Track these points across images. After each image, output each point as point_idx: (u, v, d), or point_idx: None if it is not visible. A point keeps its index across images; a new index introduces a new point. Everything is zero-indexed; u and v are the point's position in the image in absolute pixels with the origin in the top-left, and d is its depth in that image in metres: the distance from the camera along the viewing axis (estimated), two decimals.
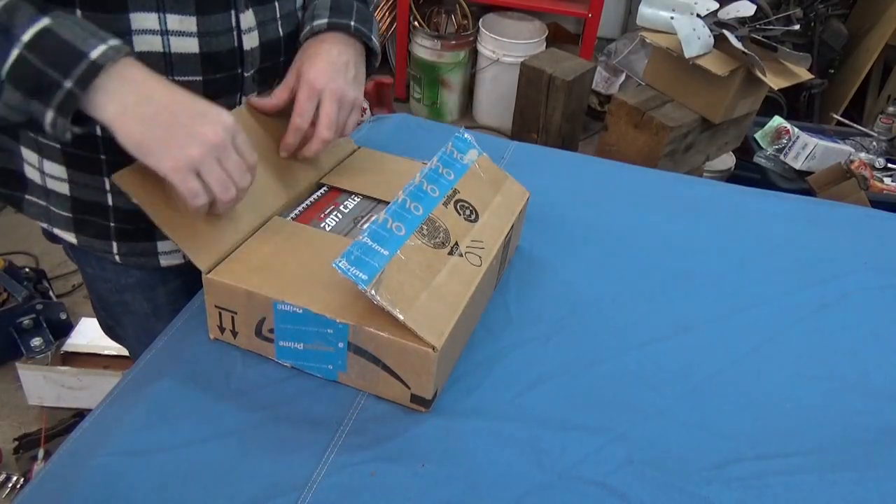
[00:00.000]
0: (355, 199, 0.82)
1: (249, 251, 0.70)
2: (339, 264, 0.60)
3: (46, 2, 0.59)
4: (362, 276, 0.60)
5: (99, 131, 0.69)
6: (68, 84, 0.53)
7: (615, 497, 0.62)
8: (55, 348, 1.65)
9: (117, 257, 0.81)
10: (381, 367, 0.65)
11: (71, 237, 0.80)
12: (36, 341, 1.63)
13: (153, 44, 0.65)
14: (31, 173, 0.76)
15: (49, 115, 0.55)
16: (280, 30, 0.76)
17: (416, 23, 2.65)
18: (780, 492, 0.63)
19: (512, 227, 0.80)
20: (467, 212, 0.76)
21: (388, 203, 0.70)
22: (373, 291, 0.60)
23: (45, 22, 0.53)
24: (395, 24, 2.77)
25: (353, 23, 0.75)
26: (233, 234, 0.71)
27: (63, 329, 1.72)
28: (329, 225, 0.77)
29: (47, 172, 0.74)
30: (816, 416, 0.72)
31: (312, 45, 0.75)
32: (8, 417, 1.63)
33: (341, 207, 0.80)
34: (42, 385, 1.56)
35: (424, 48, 2.64)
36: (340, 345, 0.65)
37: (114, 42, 0.56)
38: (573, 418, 0.69)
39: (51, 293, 1.83)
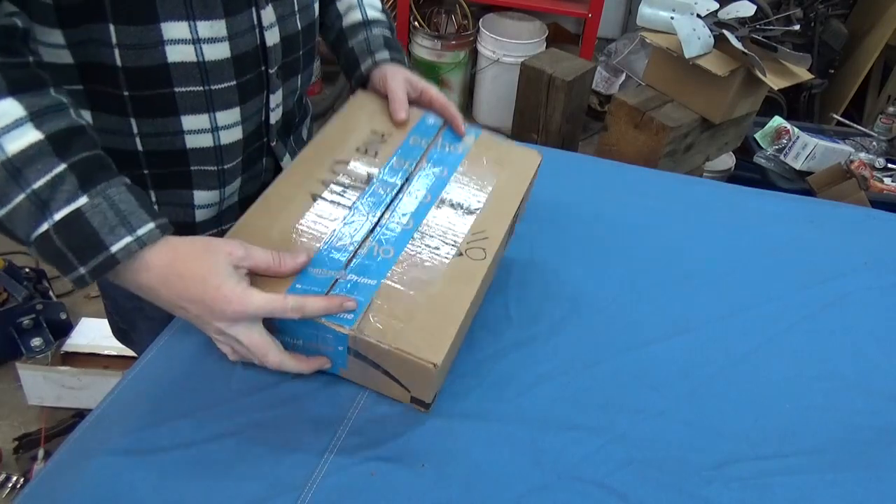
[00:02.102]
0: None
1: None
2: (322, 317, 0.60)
3: (81, 21, 0.59)
4: (347, 317, 0.60)
5: (139, 145, 0.70)
6: (82, 270, 0.56)
7: (615, 497, 0.62)
8: (55, 348, 1.65)
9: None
10: (382, 371, 0.64)
11: None
12: (36, 341, 1.63)
13: (187, 54, 0.64)
14: None
15: (65, 279, 0.57)
16: (298, 23, 0.76)
17: (416, 23, 2.65)
18: (780, 492, 0.63)
19: (521, 203, 0.77)
20: (466, 204, 0.74)
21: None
22: (356, 332, 0.60)
23: (80, 202, 0.54)
24: (394, 25, 2.77)
25: (405, 59, 0.89)
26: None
27: (63, 329, 1.72)
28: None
29: None
30: (816, 416, 0.72)
31: (388, 69, 0.86)
32: (8, 417, 1.63)
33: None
34: (42, 385, 1.56)
35: (424, 48, 2.64)
36: (340, 348, 0.64)
37: (144, 230, 0.56)
38: (573, 418, 0.69)
39: (51, 293, 1.83)
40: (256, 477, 0.61)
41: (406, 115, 0.82)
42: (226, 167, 0.75)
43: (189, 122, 0.69)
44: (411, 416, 0.67)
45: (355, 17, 0.90)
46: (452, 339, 0.62)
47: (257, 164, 0.81)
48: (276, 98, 0.76)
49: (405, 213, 0.71)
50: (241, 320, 0.59)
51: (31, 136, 0.53)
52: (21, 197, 0.53)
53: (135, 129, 0.68)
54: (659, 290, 0.87)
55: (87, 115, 0.66)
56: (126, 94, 0.65)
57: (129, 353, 1.04)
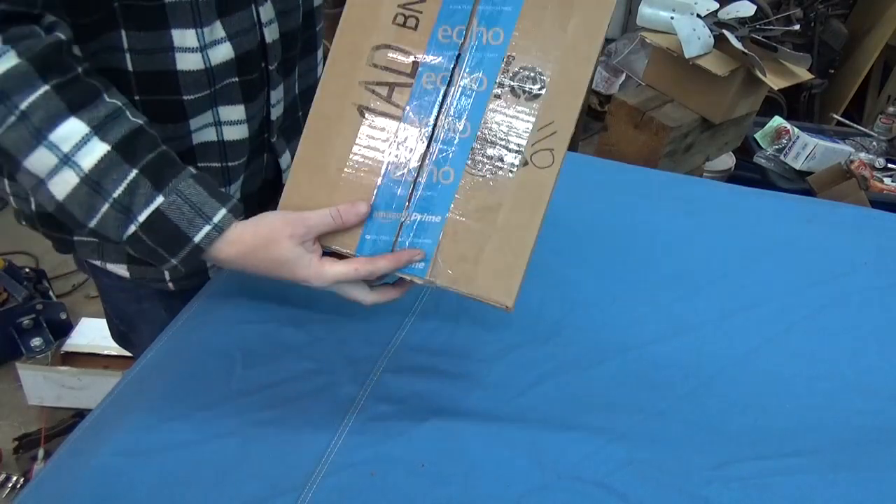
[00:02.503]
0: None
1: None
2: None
3: (96, 34, 0.61)
4: (419, 266, 0.61)
5: None
6: (174, 261, 0.61)
7: (615, 497, 0.62)
8: (55, 348, 1.65)
9: (171, 284, 0.81)
10: (462, 296, 0.63)
11: (123, 270, 0.80)
12: (36, 341, 1.63)
13: (194, 62, 0.66)
14: None
15: (163, 269, 0.63)
16: (299, 17, 0.76)
17: None
18: (780, 492, 0.63)
19: (597, 59, 0.63)
20: (530, 83, 0.62)
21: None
22: (431, 279, 0.60)
23: (158, 202, 0.59)
24: None
25: None
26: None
27: (63, 329, 1.72)
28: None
29: None
30: (816, 416, 0.72)
31: None
32: (8, 417, 1.63)
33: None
34: (42, 385, 1.56)
35: None
36: (419, 281, 0.64)
37: (219, 218, 0.60)
38: (573, 418, 0.69)
39: (51, 293, 1.83)
40: (256, 477, 0.61)
41: None
42: (230, 164, 0.75)
43: (196, 121, 0.70)
44: (411, 415, 0.67)
45: None
46: (524, 273, 0.62)
47: (258, 160, 0.81)
48: (276, 94, 0.77)
49: (460, 114, 0.63)
50: (324, 287, 0.63)
51: (99, 149, 0.56)
52: (106, 207, 0.58)
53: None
54: (659, 290, 0.87)
55: None
56: (137, 98, 0.66)
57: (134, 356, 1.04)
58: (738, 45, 1.62)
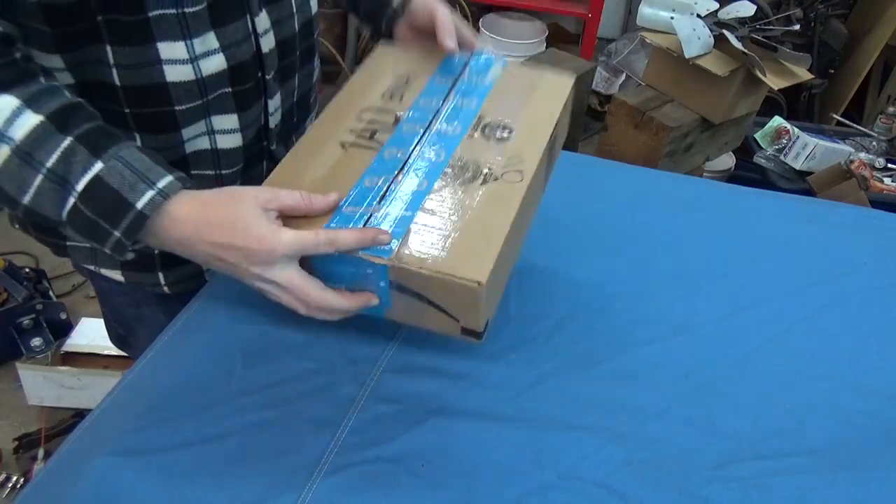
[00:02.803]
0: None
1: (287, 174, 0.66)
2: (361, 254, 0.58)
3: (78, 46, 0.60)
4: (384, 248, 0.58)
5: None
6: (117, 234, 0.57)
7: (615, 497, 0.62)
8: (55, 348, 1.65)
9: (166, 288, 0.81)
10: (427, 302, 0.61)
11: (117, 275, 0.80)
12: (36, 341, 1.64)
13: (185, 73, 0.65)
14: None
15: (107, 248, 0.59)
16: (296, 25, 0.76)
17: None
18: (780, 492, 0.63)
19: (556, 125, 0.73)
20: (498, 132, 0.70)
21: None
22: (395, 261, 0.58)
23: (97, 168, 0.55)
24: None
25: None
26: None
27: (63, 329, 1.72)
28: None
29: None
30: (816, 416, 0.72)
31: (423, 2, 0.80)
32: (8, 417, 1.63)
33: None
34: (42, 385, 1.56)
35: None
36: (382, 284, 0.61)
37: (164, 182, 0.57)
38: (573, 418, 0.69)
39: (51, 293, 1.83)
40: (256, 477, 0.61)
41: (455, 45, 0.76)
42: (223, 172, 0.75)
43: (189, 131, 0.69)
44: (411, 416, 0.67)
45: None
46: (496, 258, 0.59)
47: (257, 168, 0.81)
48: (274, 103, 0.76)
49: (436, 146, 0.69)
50: (276, 261, 0.57)
51: (31, 120, 0.54)
52: (39, 178, 0.54)
53: (138, 142, 0.68)
54: (659, 290, 0.87)
55: None
56: (127, 111, 0.66)
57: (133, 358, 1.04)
58: (738, 45, 1.62)
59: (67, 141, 0.55)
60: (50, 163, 0.54)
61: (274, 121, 0.78)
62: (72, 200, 0.55)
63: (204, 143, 0.72)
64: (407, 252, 0.59)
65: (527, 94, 0.76)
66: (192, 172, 0.73)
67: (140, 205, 0.56)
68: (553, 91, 0.77)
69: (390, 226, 0.61)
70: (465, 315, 0.61)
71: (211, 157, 0.73)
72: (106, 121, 0.65)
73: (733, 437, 0.69)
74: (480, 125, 0.71)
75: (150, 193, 0.56)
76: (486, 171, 0.66)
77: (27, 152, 0.54)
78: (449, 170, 0.66)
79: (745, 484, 0.64)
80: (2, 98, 0.54)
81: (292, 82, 0.80)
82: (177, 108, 0.67)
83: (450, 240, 0.60)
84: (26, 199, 0.55)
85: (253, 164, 0.79)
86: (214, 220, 0.57)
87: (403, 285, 0.61)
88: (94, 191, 0.55)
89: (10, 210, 0.58)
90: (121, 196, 0.55)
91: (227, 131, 0.72)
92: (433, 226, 0.61)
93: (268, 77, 0.73)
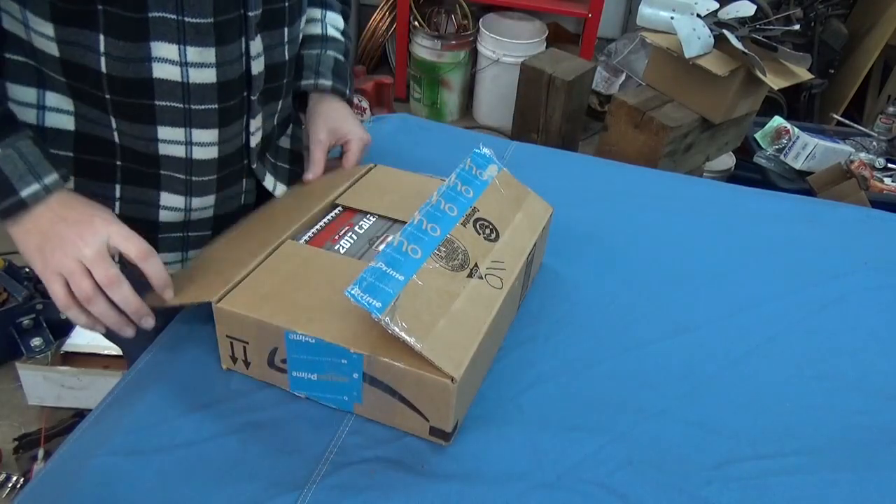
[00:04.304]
0: (371, 219, 0.80)
1: (260, 278, 0.68)
2: (352, 292, 0.58)
3: (73, 23, 0.61)
4: (376, 304, 0.58)
5: (116, 138, 0.70)
6: None
7: (615, 497, 0.62)
8: (55, 348, 1.64)
9: (118, 204, 0.80)
10: (398, 398, 0.62)
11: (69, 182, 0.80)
12: (36, 341, 1.63)
13: (172, 73, 0.66)
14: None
15: None
16: (286, 54, 0.77)
17: (416, 23, 2.65)
18: (780, 492, 0.63)
19: (534, 245, 0.78)
20: (487, 230, 0.73)
21: (404, 223, 0.68)
22: (387, 319, 0.58)
23: None
24: (395, 24, 2.76)
25: (348, 92, 0.91)
26: (245, 259, 0.70)
27: (63, 329, 1.72)
28: (343, 247, 0.75)
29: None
30: (816, 416, 0.72)
31: (322, 103, 0.89)
32: (8, 417, 1.63)
33: (356, 228, 0.78)
34: (42, 385, 1.56)
35: (424, 48, 2.64)
36: (355, 375, 0.63)
37: (51, 180, 0.62)
38: (573, 418, 0.69)
39: None
40: (256, 477, 0.61)
41: (313, 178, 0.87)
42: (194, 179, 0.75)
43: (165, 132, 0.70)
44: None
45: (314, 30, 0.90)
46: (473, 355, 0.61)
47: (236, 185, 0.81)
48: (256, 122, 0.77)
49: (434, 222, 0.70)
50: (98, 230, 0.63)
51: None
52: None
53: (113, 125, 0.69)
54: (659, 290, 0.87)
55: (67, 104, 0.68)
56: (108, 97, 0.66)
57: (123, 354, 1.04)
58: (738, 45, 1.62)
59: None
60: None
61: (255, 140, 0.78)
62: None
63: (179, 152, 0.72)
64: (394, 317, 0.59)
65: (514, 206, 0.80)
66: (162, 172, 0.73)
67: (24, 194, 0.61)
68: (536, 212, 0.82)
69: (385, 284, 0.61)
70: (435, 413, 0.62)
71: (184, 165, 0.74)
72: (86, 99, 0.67)
73: (733, 437, 0.69)
74: (473, 217, 0.74)
75: (36, 186, 0.62)
76: (473, 263, 0.69)
77: None
78: (442, 248, 0.68)
79: (745, 484, 0.64)
80: None
81: (275, 105, 0.81)
82: (157, 102, 0.67)
83: (434, 323, 0.61)
84: None
85: (232, 181, 0.80)
86: (69, 217, 0.63)
87: (376, 378, 0.62)
88: None
89: None
90: (9, 182, 0.61)
91: (204, 144, 0.73)
92: (421, 301, 0.62)
93: (252, 98, 0.74)
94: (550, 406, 0.70)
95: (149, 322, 0.66)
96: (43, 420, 1.57)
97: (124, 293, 0.63)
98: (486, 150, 0.81)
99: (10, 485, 1.45)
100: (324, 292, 0.66)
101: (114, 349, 1.62)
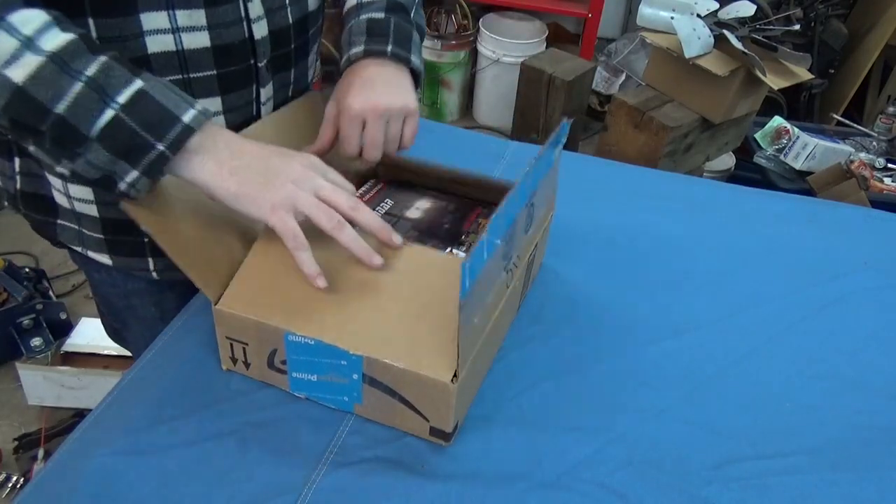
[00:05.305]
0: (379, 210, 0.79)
1: (254, 267, 0.67)
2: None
3: (54, 7, 0.59)
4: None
5: None
6: (161, 146, 0.56)
7: (615, 497, 0.62)
8: (55, 348, 1.65)
9: (154, 274, 0.81)
10: (398, 399, 0.62)
11: (105, 258, 0.79)
12: (36, 341, 1.63)
13: (166, 43, 0.65)
14: (60, 198, 0.76)
15: (132, 176, 0.57)
16: (290, 17, 0.75)
17: None
18: (780, 492, 0.63)
19: (535, 245, 0.76)
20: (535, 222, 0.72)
21: (407, 219, 0.67)
22: (371, 354, 0.60)
23: (139, 83, 0.55)
24: None
25: (389, 48, 0.75)
26: (241, 253, 0.69)
27: (63, 329, 1.72)
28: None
29: (74, 196, 0.74)
30: (816, 416, 0.72)
31: (349, 74, 0.76)
32: (8, 417, 1.63)
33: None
34: (42, 385, 1.56)
35: (425, 48, 2.64)
36: (355, 376, 0.62)
37: (200, 106, 0.58)
38: (573, 418, 0.69)
39: (51, 293, 1.83)
40: (256, 477, 0.61)
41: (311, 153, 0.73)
42: None
43: None
44: None
45: (351, 1, 0.83)
46: (473, 356, 0.61)
47: None
48: (266, 92, 0.76)
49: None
50: (317, 162, 0.63)
51: (63, 35, 0.54)
52: (79, 86, 0.53)
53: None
54: (659, 290, 0.87)
55: None
56: None
57: (129, 352, 1.04)
58: (738, 45, 1.62)
59: (104, 58, 0.54)
60: (90, 72, 0.53)
61: (266, 110, 0.77)
62: (110, 112, 0.54)
63: (168, 44, 0.69)
64: (382, 345, 0.59)
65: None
66: None
67: (187, 118, 0.56)
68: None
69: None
70: (435, 413, 0.62)
71: (177, 61, 0.70)
72: None
73: (733, 437, 0.69)
74: (528, 204, 0.67)
75: (192, 111, 0.57)
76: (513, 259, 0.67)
77: (64, 61, 0.52)
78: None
79: (745, 484, 0.64)
80: (29, 10, 0.53)
81: (287, 75, 0.80)
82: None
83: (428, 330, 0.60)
84: (61, 107, 0.53)
85: None
86: (251, 141, 0.62)
87: (376, 379, 0.62)
88: (138, 102, 0.55)
89: (32, 124, 0.54)
90: (167, 109, 0.56)
91: None
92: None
93: (259, 65, 0.73)
94: (550, 406, 0.70)
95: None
96: (43, 420, 1.57)
97: (368, 212, 0.63)
98: (564, 132, 0.73)
99: (10, 485, 1.45)
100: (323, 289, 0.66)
101: (114, 349, 1.62)
